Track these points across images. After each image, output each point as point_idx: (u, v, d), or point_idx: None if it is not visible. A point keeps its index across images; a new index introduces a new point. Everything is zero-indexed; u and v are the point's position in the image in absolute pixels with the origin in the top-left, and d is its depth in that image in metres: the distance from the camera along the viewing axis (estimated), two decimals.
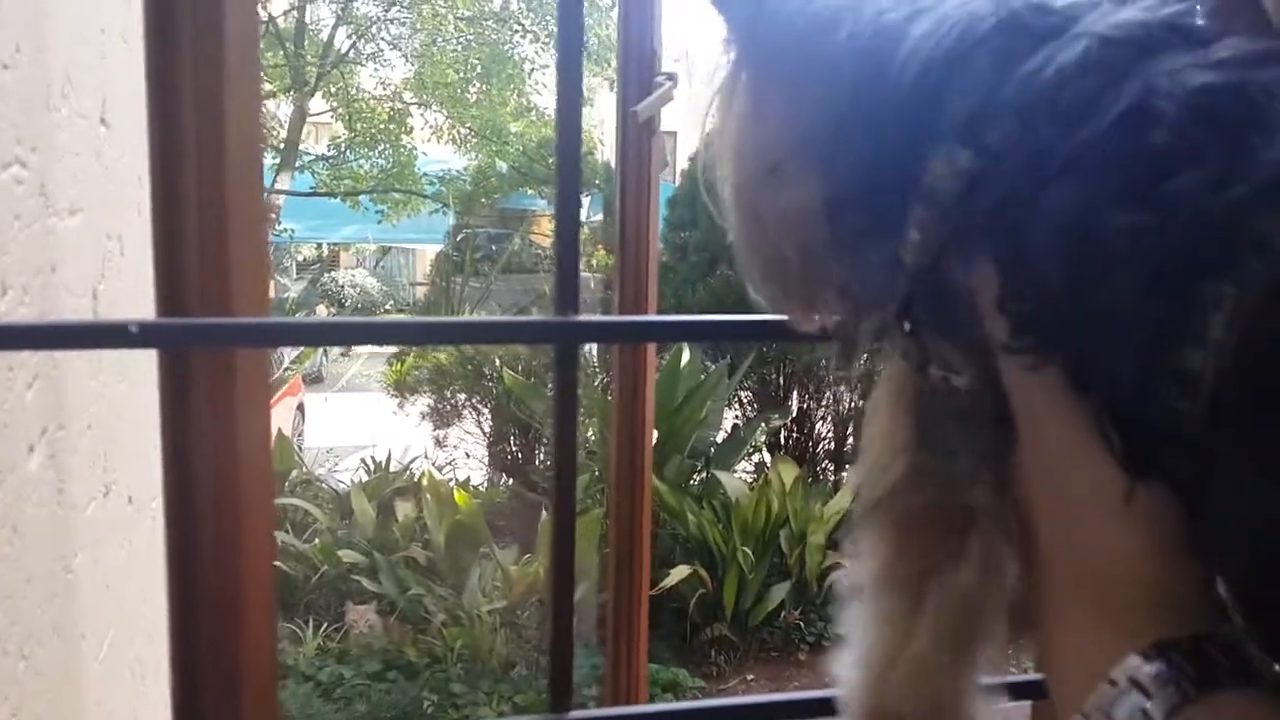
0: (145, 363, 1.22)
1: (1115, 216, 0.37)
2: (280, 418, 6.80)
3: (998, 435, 0.45)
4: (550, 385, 4.94)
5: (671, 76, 1.33)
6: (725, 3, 0.50)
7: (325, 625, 4.23)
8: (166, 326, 0.56)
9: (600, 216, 8.86)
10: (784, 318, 0.58)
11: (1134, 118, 0.37)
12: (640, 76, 1.34)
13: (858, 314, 0.50)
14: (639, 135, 1.38)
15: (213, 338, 0.56)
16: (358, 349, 12.70)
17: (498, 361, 5.62)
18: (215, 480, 0.72)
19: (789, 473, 5.00)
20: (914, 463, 0.49)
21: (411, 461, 5.64)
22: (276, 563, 4.36)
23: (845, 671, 0.54)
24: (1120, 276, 0.37)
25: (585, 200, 8.97)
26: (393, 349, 7.47)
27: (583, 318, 0.62)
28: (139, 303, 1.20)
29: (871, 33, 0.44)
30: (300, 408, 7.93)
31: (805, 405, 5.68)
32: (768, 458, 5.61)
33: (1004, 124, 0.40)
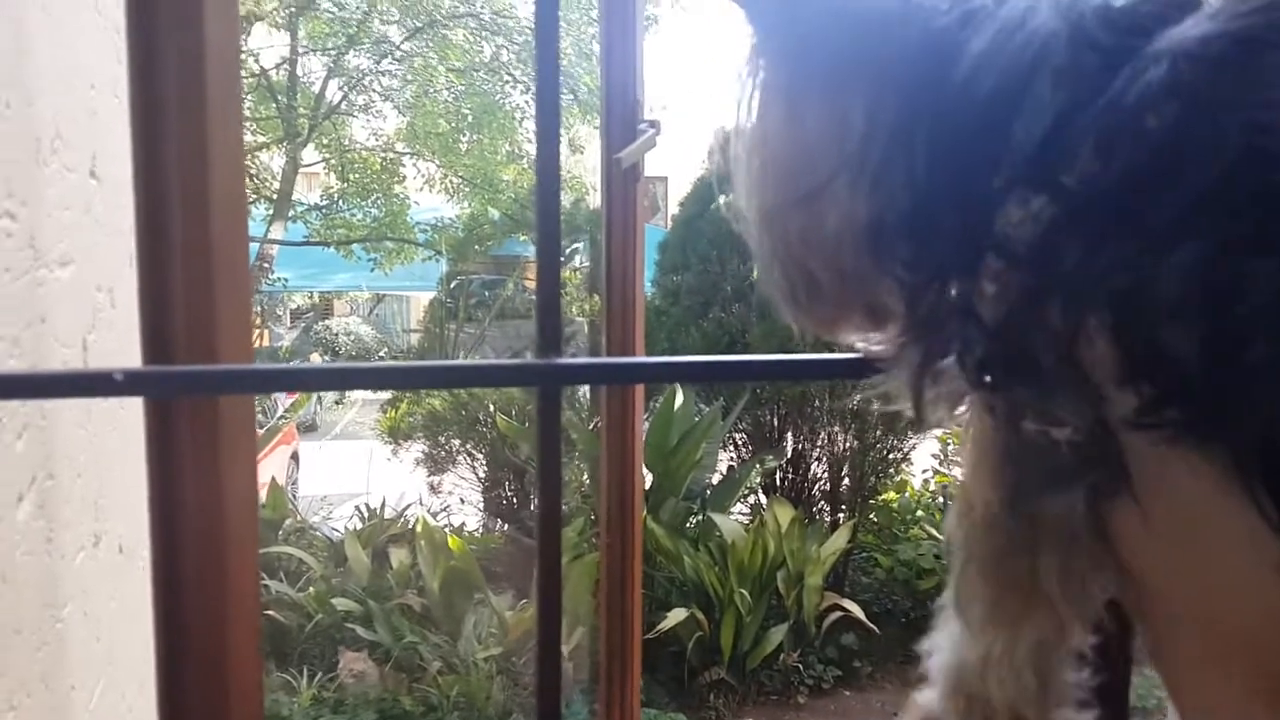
0: (136, 412, 1.23)
1: (1255, 265, 0.32)
2: (274, 466, 6.78)
3: (1100, 485, 0.41)
4: None
5: (654, 124, 1.35)
6: (753, 3, 0.46)
7: (319, 674, 4.19)
8: (152, 374, 0.57)
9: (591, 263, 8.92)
10: (770, 358, 0.58)
11: (1250, 159, 0.33)
12: (624, 124, 1.37)
13: (905, 339, 0.45)
14: (624, 181, 1.40)
15: (198, 385, 0.57)
16: (351, 396, 12.69)
17: (492, 406, 5.62)
18: (200, 530, 0.73)
19: (785, 514, 4.99)
20: (1008, 525, 0.45)
21: (406, 508, 5.62)
22: (269, 612, 4.33)
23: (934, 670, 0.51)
24: (1270, 331, 0.32)
25: (579, 246, 9.03)
26: (386, 396, 7.47)
27: (565, 360, 0.63)
28: (130, 353, 1.21)
29: (921, 39, 0.40)
30: (294, 456, 7.91)
31: (800, 446, 5.68)
32: (763, 499, 5.60)
33: (1081, 161, 0.36)
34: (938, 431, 5.94)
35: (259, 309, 12.07)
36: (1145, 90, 0.35)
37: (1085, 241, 0.36)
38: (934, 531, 5.31)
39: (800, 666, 4.68)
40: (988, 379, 0.42)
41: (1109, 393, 0.37)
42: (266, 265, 8.83)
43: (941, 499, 4.90)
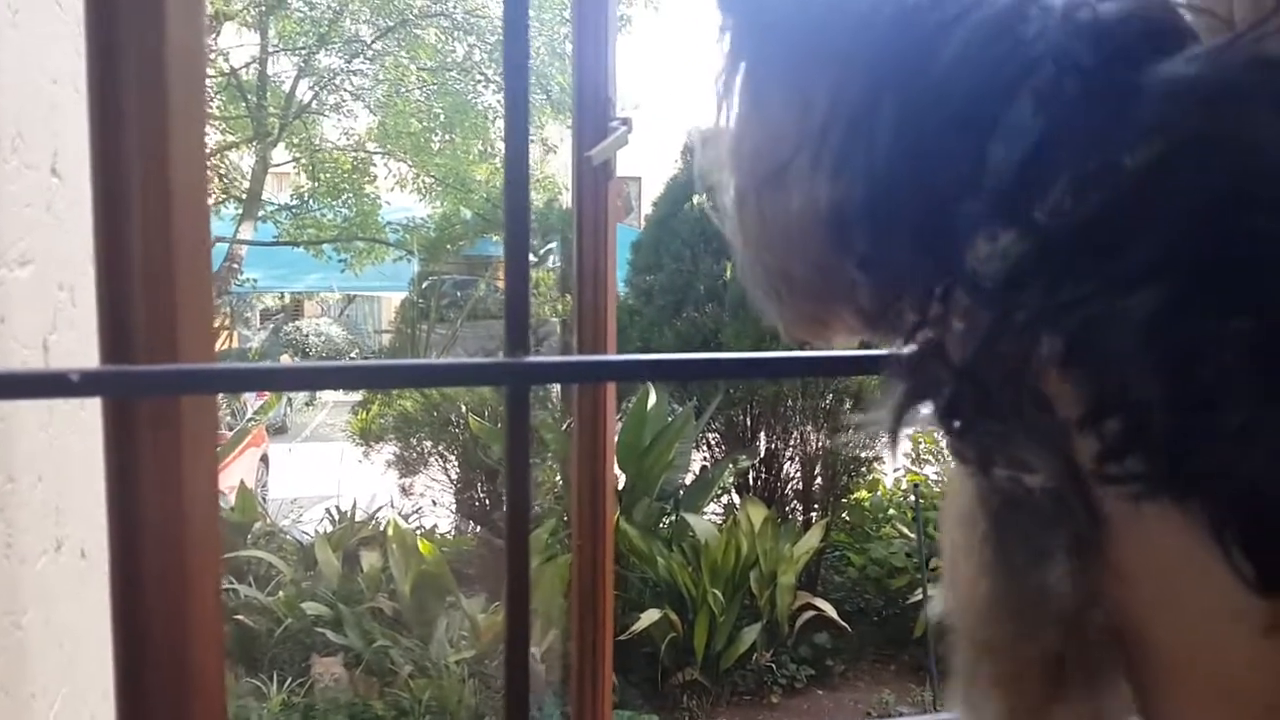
0: (98, 414, 1.21)
1: (1223, 325, 0.31)
2: (243, 469, 6.71)
3: (1081, 537, 0.39)
4: None
5: (625, 122, 1.35)
6: None
7: (290, 680, 4.15)
8: (108, 374, 0.56)
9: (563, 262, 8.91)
10: (738, 356, 0.58)
11: (1229, 207, 0.32)
12: (595, 122, 1.36)
13: (890, 373, 0.44)
14: (595, 179, 1.40)
15: (156, 385, 0.56)
16: (321, 397, 12.60)
17: (464, 408, 5.59)
18: (161, 534, 0.72)
19: (758, 514, 5.00)
20: (999, 592, 0.42)
21: (377, 511, 5.58)
22: (238, 616, 4.28)
23: None
24: (1242, 393, 0.31)
25: (552, 246, 9.00)
26: (357, 397, 7.41)
27: (534, 359, 0.62)
28: (92, 354, 1.19)
29: (894, 18, 0.39)
30: (264, 459, 7.84)
31: (773, 446, 5.70)
32: (736, 499, 5.61)
33: (1054, 195, 0.34)
34: (908, 430, 5.99)
35: (227, 310, 11.94)
36: (1127, 129, 0.34)
37: (1049, 278, 0.35)
38: (905, 530, 5.34)
39: (773, 666, 4.70)
40: (957, 424, 0.41)
41: (1074, 436, 0.36)
42: (235, 266, 8.73)
43: (913, 498, 4.92)
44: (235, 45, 9.18)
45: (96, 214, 0.61)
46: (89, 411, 1.20)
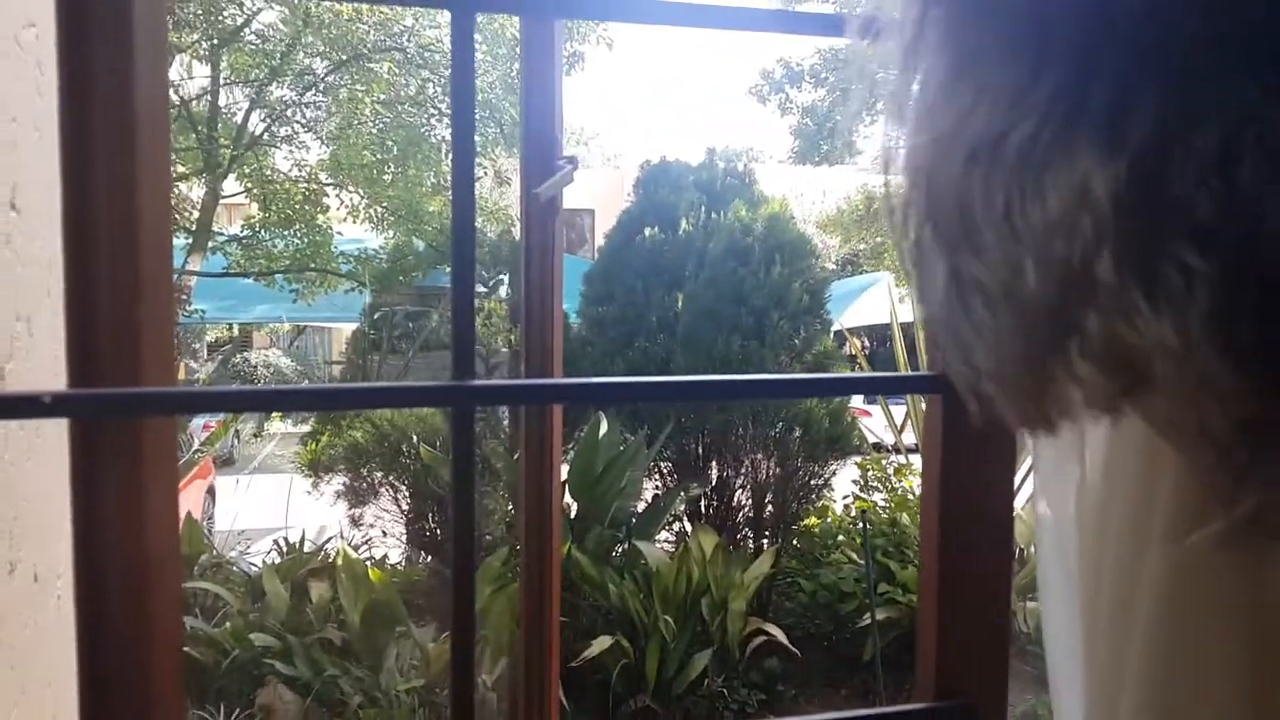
0: (52, 439, 1.24)
1: None
2: (189, 501, 6.63)
3: None
4: None
5: (571, 160, 1.41)
6: None
7: (237, 711, 4.10)
8: (79, 396, 0.61)
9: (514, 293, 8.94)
10: (684, 379, 0.61)
11: None
12: (542, 159, 1.42)
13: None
14: (542, 213, 1.46)
15: (125, 407, 0.61)
16: (270, 430, 12.45)
17: (415, 438, 5.59)
18: (123, 558, 0.75)
19: (709, 541, 5.05)
20: None
21: (326, 542, 5.54)
22: (185, 649, 4.23)
23: None
24: None
25: (503, 278, 9.04)
26: (306, 428, 7.36)
27: (479, 382, 0.67)
28: (48, 382, 1.21)
29: None
30: (210, 490, 7.74)
31: (724, 474, 5.77)
32: (688, 526, 5.66)
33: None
34: (856, 458, 6.10)
35: (175, 341, 11.79)
36: None
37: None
38: (854, 556, 5.43)
39: (725, 692, 4.73)
40: None
41: None
42: (184, 297, 8.66)
43: (862, 524, 5.01)
44: (186, 78, 9.15)
45: (66, 245, 0.66)
46: (43, 437, 1.23)
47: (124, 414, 0.65)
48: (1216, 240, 0.27)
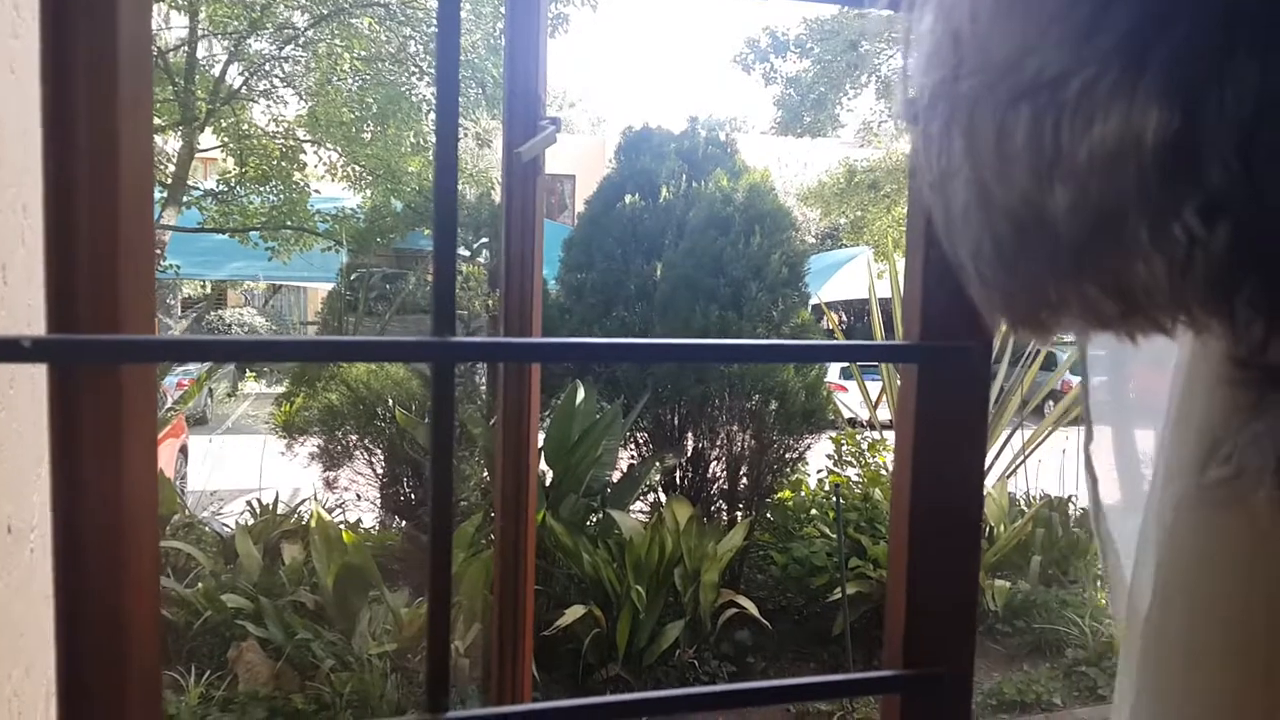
0: (25, 392, 1.21)
1: None
2: (162, 459, 6.58)
3: None
4: None
5: (554, 121, 1.39)
6: None
7: (209, 673, 4.10)
8: (60, 341, 0.59)
9: (493, 256, 8.88)
10: (664, 341, 0.60)
11: None
12: (525, 120, 1.40)
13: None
14: (524, 174, 1.44)
15: (106, 352, 0.59)
16: (244, 390, 12.36)
17: (390, 401, 5.56)
18: (102, 510, 0.74)
19: (683, 512, 5.07)
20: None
21: (300, 504, 5.52)
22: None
23: None
24: None
25: (484, 241, 8.98)
26: (280, 389, 7.31)
27: (459, 338, 0.65)
28: (24, 330, 1.19)
29: None
30: (184, 450, 7.68)
31: (699, 445, 5.78)
32: (663, 497, 5.68)
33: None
34: (831, 433, 6.13)
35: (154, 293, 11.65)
36: None
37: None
38: (827, 530, 5.47)
39: (696, 662, 4.77)
40: None
41: None
42: (158, 251, 8.54)
43: (835, 499, 5.04)
44: (164, 29, 8.98)
45: (47, 193, 0.64)
46: (16, 390, 1.21)
47: (105, 358, 0.63)
48: (1223, 211, 0.28)
